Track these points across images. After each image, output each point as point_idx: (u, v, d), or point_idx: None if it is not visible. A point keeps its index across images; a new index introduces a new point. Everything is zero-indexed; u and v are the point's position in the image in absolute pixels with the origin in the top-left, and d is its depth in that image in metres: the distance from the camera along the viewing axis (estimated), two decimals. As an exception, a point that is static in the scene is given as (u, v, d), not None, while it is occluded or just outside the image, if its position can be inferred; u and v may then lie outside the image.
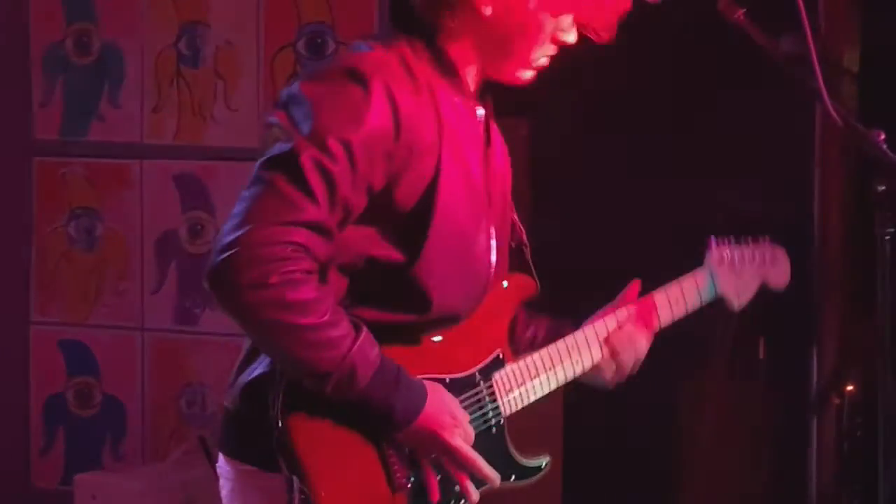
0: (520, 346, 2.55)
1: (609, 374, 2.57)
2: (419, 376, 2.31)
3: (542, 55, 2.38)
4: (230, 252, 2.14)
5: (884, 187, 2.50)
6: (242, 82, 4.96)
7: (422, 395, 2.28)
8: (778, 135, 4.14)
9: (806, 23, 2.45)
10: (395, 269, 2.28)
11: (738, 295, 2.75)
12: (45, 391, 5.23)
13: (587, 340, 2.55)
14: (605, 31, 2.37)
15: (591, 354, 2.54)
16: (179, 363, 5.07)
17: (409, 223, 2.27)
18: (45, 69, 5.19)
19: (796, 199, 4.23)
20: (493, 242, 2.40)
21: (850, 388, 4.10)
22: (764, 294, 3.67)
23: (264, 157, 2.21)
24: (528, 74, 2.40)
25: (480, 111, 2.39)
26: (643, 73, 4.19)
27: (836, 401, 4.12)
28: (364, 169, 2.20)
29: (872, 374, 2.56)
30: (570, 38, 2.36)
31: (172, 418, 5.08)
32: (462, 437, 2.32)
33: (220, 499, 2.38)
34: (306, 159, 2.16)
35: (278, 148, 2.19)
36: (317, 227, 2.17)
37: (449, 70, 2.33)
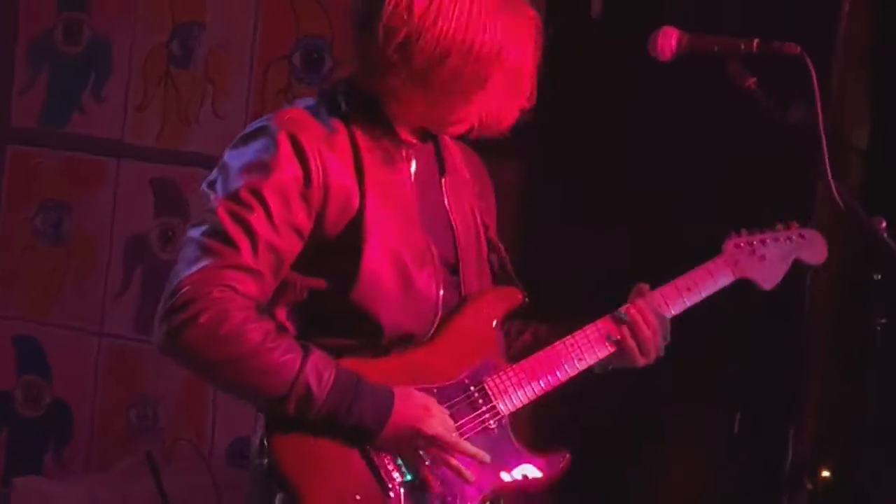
0: (515, 352, 2.70)
1: (632, 360, 2.70)
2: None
3: (462, 121, 2.57)
4: (164, 306, 2.38)
5: (880, 277, 2.51)
6: (232, 89, 4.94)
7: (388, 397, 2.45)
8: (777, 202, 4.12)
9: (818, 96, 2.48)
10: (338, 298, 2.47)
11: (765, 278, 2.82)
12: (-7, 388, 5.22)
13: (589, 339, 2.68)
14: (503, 123, 2.57)
15: (595, 352, 2.68)
16: (135, 372, 5.03)
17: (341, 255, 2.46)
18: (31, 56, 5.18)
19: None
20: (437, 264, 2.57)
21: (825, 473, 4.09)
22: (742, 365, 3.69)
23: (191, 223, 2.47)
24: (456, 132, 2.61)
25: (406, 152, 2.58)
26: (646, 129, 4.24)
27: (809, 486, 4.10)
28: (279, 211, 2.42)
29: (849, 460, 2.57)
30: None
31: (121, 429, 5.04)
32: (440, 424, 2.48)
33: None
34: (222, 213, 2.40)
35: (201, 212, 2.46)
36: (241, 268, 2.39)
37: (380, 121, 2.55)
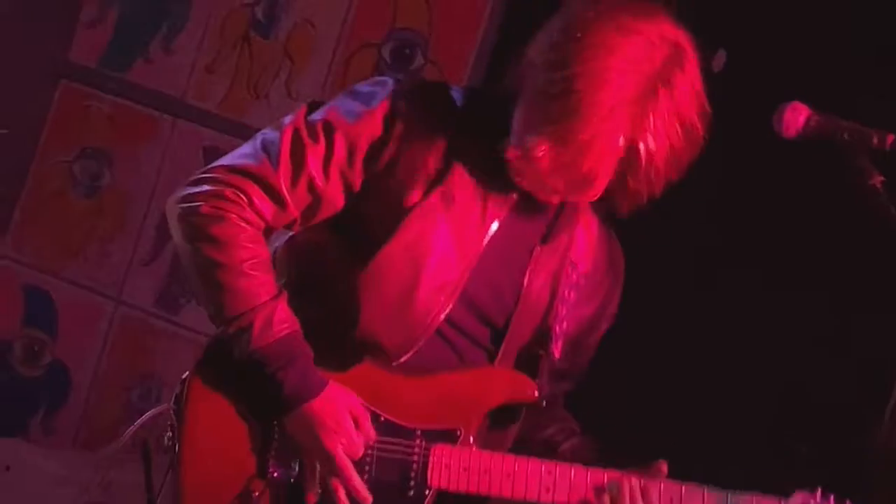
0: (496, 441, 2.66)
1: None
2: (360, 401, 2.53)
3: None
4: (189, 180, 2.53)
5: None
6: (311, 69, 4.91)
7: (317, 387, 2.49)
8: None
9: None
10: (347, 271, 2.55)
11: None
12: (-8, 335, 5.19)
13: (570, 479, 2.60)
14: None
15: (566, 494, 2.60)
16: (146, 349, 5.01)
17: (370, 235, 2.53)
18: None
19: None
20: (458, 296, 2.56)
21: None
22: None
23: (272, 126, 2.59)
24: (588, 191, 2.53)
25: (508, 184, 2.54)
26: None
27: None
28: (341, 157, 2.50)
29: None
30: None
31: (119, 407, 5.00)
32: (344, 446, 2.50)
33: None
34: (289, 130, 2.53)
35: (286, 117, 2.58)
36: (269, 188, 2.49)
37: (498, 144, 2.51)
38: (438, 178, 2.54)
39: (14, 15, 4.89)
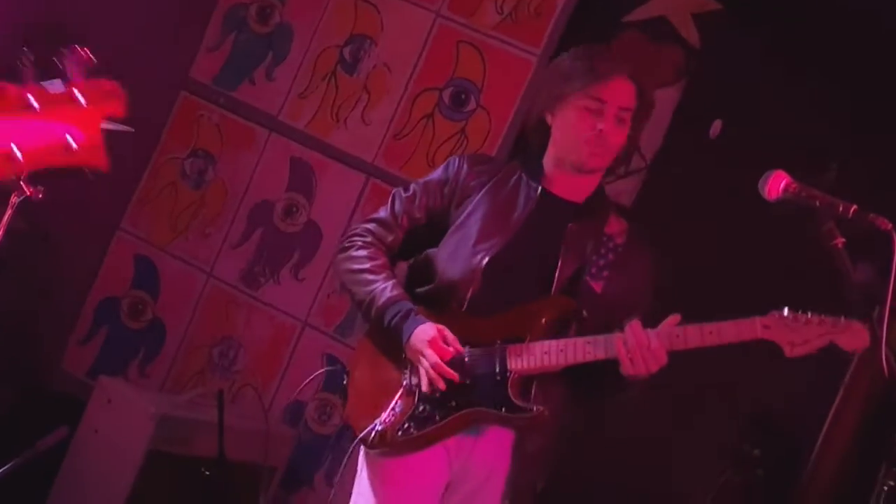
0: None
1: (624, 368, 2.94)
2: (459, 339, 3.05)
3: (584, 136, 3.07)
4: None
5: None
6: (383, 104, 4.94)
7: (418, 323, 3.06)
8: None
9: (894, 275, 2.41)
10: (427, 256, 3.19)
11: (792, 344, 2.85)
12: (106, 291, 5.21)
13: (598, 343, 2.98)
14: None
15: (603, 350, 2.97)
16: (228, 316, 5.04)
17: (443, 230, 3.18)
18: (225, 21, 5.19)
19: (804, 422, 4.19)
20: (499, 248, 3.10)
21: None
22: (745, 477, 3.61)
23: None
24: (581, 156, 3.08)
25: (535, 185, 3.18)
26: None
27: None
28: (422, 196, 3.23)
29: None
30: (601, 123, 3.06)
31: (202, 360, 5.05)
32: (433, 347, 3.01)
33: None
34: (393, 193, 3.30)
35: None
36: (381, 223, 3.24)
37: (530, 164, 3.22)
38: (487, 185, 3.20)
39: (150, 32, 4.95)
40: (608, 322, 3.03)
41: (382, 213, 3.26)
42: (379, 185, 4.86)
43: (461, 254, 3.12)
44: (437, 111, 4.86)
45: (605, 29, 4.63)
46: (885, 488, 2.51)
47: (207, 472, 4.34)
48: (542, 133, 3.18)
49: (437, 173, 3.27)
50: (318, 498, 4.80)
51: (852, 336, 2.84)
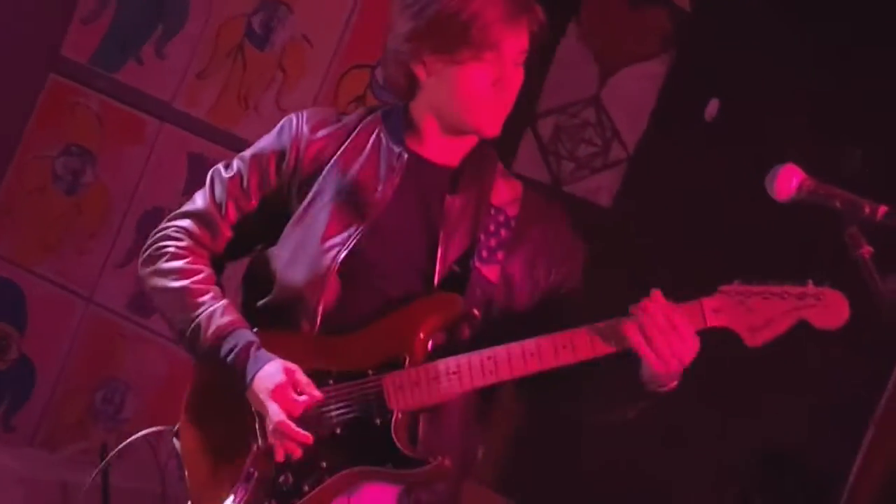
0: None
1: (650, 364, 2.72)
2: (307, 367, 2.83)
3: (488, 101, 2.86)
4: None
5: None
6: (303, 84, 4.94)
7: (260, 363, 2.82)
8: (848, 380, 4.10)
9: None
10: (260, 258, 2.97)
11: (752, 329, 2.74)
12: (-41, 324, 5.18)
13: (548, 344, 2.78)
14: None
15: (520, 367, 2.78)
16: (114, 352, 5.02)
17: (282, 220, 2.95)
18: None
19: (841, 448, 4.18)
20: (355, 243, 2.89)
21: None
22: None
23: None
24: (484, 123, 2.88)
25: (398, 149, 2.95)
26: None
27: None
28: (253, 178, 2.96)
29: None
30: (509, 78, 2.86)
31: (81, 408, 5.02)
32: (280, 402, 2.79)
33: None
34: (211, 174, 3.02)
35: None
36: (201, 218, 2.97)
37: (392, 123, 2.98)
38: (329, 160, 2.95)
39: (9, 2, 4.93)
40: (513, 320, 2.87)
41: (200, 201, 3.00)
42: (300, 185, 4.82)
43: (307, 252, 2.90)
44: (370, 93, 4.85)
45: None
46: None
47: (89, 549, 4.30)
48: (408, 83, 2.94)
49: (267, 141, 3.01)
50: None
51: (826, 309, 2.72)
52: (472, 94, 2.84)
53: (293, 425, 2.78)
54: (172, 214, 3.02)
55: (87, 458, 4.45)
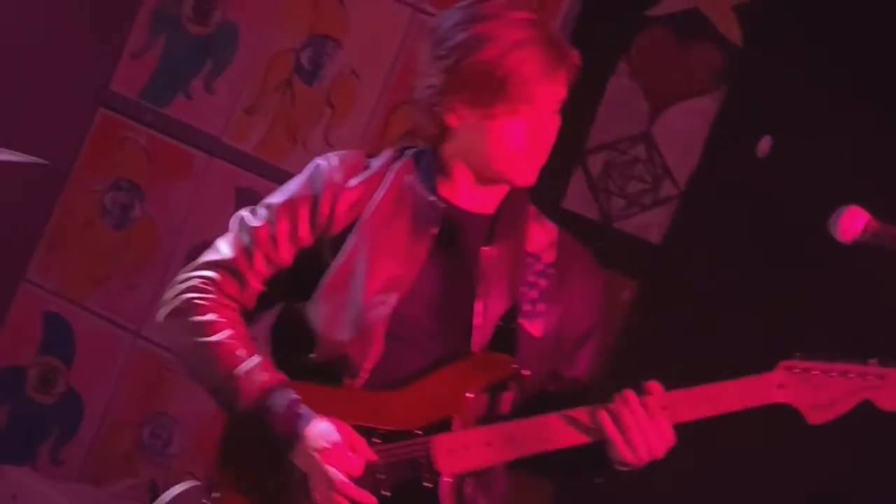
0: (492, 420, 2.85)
1: (621, 454, 2.74)
2: (352, 423, 2.75)
3: (526, 153, 2.82)
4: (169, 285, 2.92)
5: None
6: (351, 120, 4.94)
7: (305, 419, 2.73)
8: None
9: None
10: (297, 312, 2.86)
11: (815, 408, 2.75)
12: (8, 358, 5.19)
13: (569, 421, 2.77)
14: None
15: (585, 432, 2.76)
16: (161, 387, 5.01)
17: (318, 272, 2.85)
18: (153, 21, 5.19)
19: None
20: (398, 303, 2.82)
21: None
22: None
23: None
24: (521, 175, 2.84)
25: (433, 199, 2.87)
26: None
27: None
28: (284, 228, 2.86)
29: None
30: (546, 132, 2.82)
31: (129, 442, 5.01)
32: (339, 463, 2.70)
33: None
34: (237, 221, 2.92)
35: None
36: (228, 268, 2.85)
37: (424, 171, 2.89)
38: (364, 214, 2.87)
39: (60, 38, 4.95)
40: (551, 375, 2.88)
41: (227, 251, 2.88)
42: (348, 221, 4.82)
43: (350, 310, 2.82)
44: (419, 129, 4.83)
45: (624, 25, 4.61)
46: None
47: (137, 586, 4.31)
48: (439, 131, 2.87)
49: (297, 188, 2.91)
50: None
51: (891, 390, 2.71)
52: (507, 148, 2.80)
53: (355, 487, 2.71)
54: (196, 264, 2.90)
55: (136, 494, 4.44)
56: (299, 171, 4.82)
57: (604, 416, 2.71)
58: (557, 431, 2.76)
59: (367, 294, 2.81)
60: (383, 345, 2.80)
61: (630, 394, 2.72)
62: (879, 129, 4.26)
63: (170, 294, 2.88)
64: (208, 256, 2.89)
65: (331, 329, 2.82)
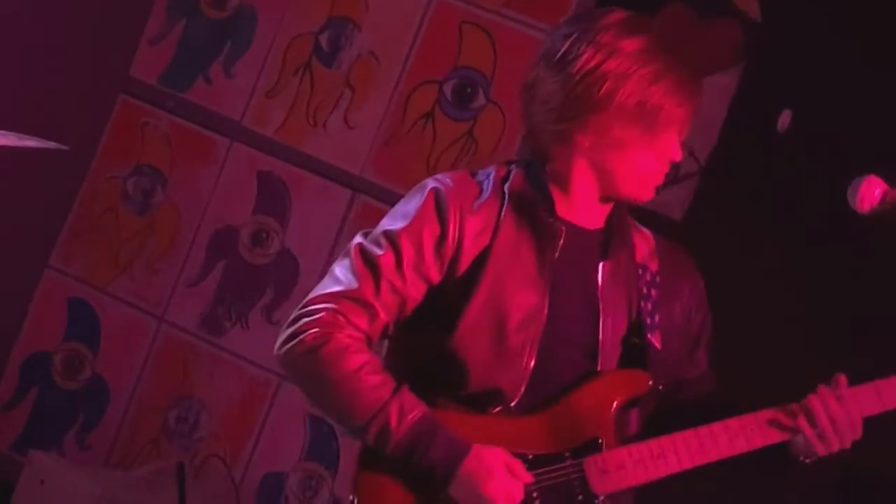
0: (629, 437, 2.86)
1: (812, 448, 2.83)
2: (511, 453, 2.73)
3: (655, 175, 2.84)
4: (287, 322, 2.79)
5: None
6: (370, 102, 4.95)
7: (461, 451, 2.70)
8: None
9: None
10: (437, 348, 2.79)
11: None
12: (34, 345, 5.20)
13: (736, 428, 2.83)
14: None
15: (729, 446, 2.82)
16: (186, 371, 5.03)
17: (453, 306, 2.78)
18: (171, 7, 5.20)
19: None
20: (541, 327, 2.80)
21: None
22: None
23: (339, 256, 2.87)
24: (646, 194, 2.86)
25: (552, 220, 2.85)
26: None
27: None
28: (409, 258, 2.77)
29: None
30: (677, 156, 2.83)
31: (155, 427, 5.03)
32: (501, 488, 2.70)
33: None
34: (357, 250, 2.80)
35: (346, 250, 2.86)
36: (358, 301, 2.75)
37: (541, 195, 2.86)
38: (496, 234, 2.82)
39: (80, 26, 4.97)
40: (673, 384, 2.90)
41: (351, 280, 2.78)
42: (369, 203, 4.86)
43: (499, 344, 2.78)
44: (438, 109, 4.85)
45: (644, 2, 4.58)
46: None
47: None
48: (559, 149, 2.84)
49: (419, 213, 2.81)
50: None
51: None
52: (641, 172, 2.81)
53: None
54: (319, 295, 2.78)
55: (164, 478, 4.46)
56: (320, 154, 4.91)
57: (799, 416, 2.79)
58: (719, 440, 2.82)
59: (513, 327, 2.78)
60: (530, 379, 2.79)
61: (824, 388, 2.79)
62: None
63: (295, 327, 2.76)
64: (331, 287, 2.78)
65: (483, 364, 2.77)
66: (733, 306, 4.26)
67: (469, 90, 4.82)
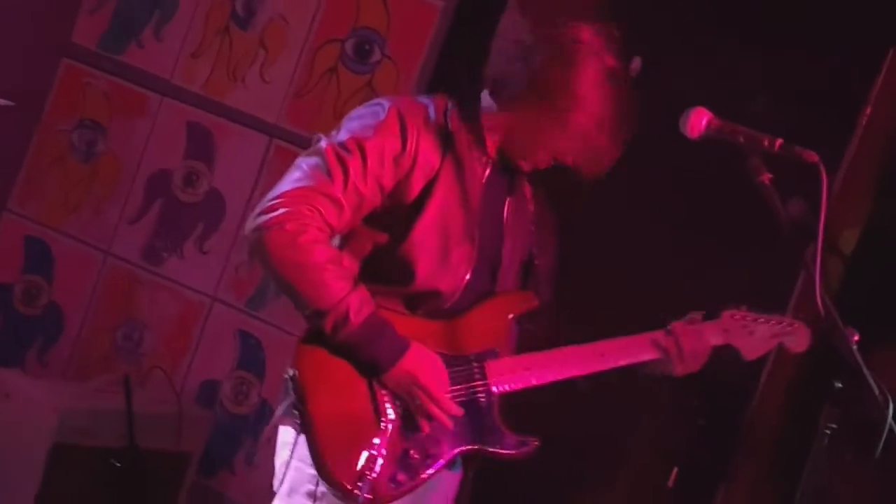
0: (520, 347, 2.97)
1: (673, 368, 2.98)
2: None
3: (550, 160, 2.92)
4: (261, 208, 2.72)
5: (840, 385, 2.50)
6: (282, 59, 4.92)
7: (403, 346, 2.77)
8: (759, 288, 4.06)
9: (824, 206, 2.48)
10: (388, 249, 2.83)
11: (748, 350, 3.00)
12: (-4, 278, 5.20)
13: (620, 346, 2.95)
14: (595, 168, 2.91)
15: (633, 355, 2.96)
16: (130, 297, 5.03)
17: (405, 215, 2.82)
18: None
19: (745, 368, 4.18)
20: (474, 249, 2.88)
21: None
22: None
23: (301, 155, 2.82)
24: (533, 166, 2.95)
25: (485, 157, 2.92)
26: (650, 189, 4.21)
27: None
28: (373, 166, 2.77)
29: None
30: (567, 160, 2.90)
31: (105, 345, 5.03)
32: (435, 379, 2.79)
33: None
34: (329, 151, 2.77)
35: (314, 146, 2.82)
36: (329, 197, 2.73)
37: (476, 130, 2.93)
38: (444, 155, 2.87)
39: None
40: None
41: (327, 179, 2.73)
42: (283, 147, 4.85)
43: (448, 259, 2.85)
44: (341, 64, 4.84)
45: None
46: (828, 431, 2.57)
47: (118, 463, 4.32)
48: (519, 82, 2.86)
49: (388, 133, 2.81)
50: (239, 481, 4.81)
51: (798, 338, 3.00)
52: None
53: (449, 399, 2.81)
54: (295, 188, 2.73)
55: (113, 388, 4.45)
56: (241, 105, 4.90)
57: (666, 341, 2.94)
58: (606, 354, 2.94)
59: (455, 242, 2.85)
60: (465, 286, 2.88)
61: (693, 324, 2.97)
62: (731, 48, 4.25)
63: (274, 214, 2.69)
64: (304, 182, 2.73)
65: (428, 269, 2.83)
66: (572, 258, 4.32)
67: (367, 47, 4.80)
